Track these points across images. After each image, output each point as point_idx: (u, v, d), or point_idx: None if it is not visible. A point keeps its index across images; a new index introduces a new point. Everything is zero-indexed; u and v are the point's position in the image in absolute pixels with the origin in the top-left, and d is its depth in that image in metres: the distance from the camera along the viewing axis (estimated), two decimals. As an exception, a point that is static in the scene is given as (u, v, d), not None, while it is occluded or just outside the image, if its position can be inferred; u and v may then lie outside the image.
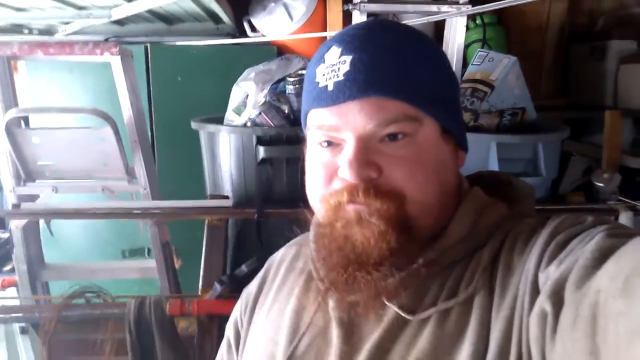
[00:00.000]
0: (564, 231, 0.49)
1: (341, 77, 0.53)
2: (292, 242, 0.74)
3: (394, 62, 0.54)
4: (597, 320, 0.38)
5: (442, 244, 0.56)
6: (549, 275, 0.45)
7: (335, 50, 0.55)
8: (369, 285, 0.53)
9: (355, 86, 0.53)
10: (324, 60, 0.56)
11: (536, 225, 0.54)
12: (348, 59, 0.54)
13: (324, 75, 0.55)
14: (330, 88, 0.54)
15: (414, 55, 0.55)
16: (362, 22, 0.60)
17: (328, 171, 0.56)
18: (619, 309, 0.37)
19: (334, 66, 0.54)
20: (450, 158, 0.59)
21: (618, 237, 0.43)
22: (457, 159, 0.61)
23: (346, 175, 0.53)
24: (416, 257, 0.55)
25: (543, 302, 0.44)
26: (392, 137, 0.54)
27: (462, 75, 1.98)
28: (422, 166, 0.54)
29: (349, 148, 0.53)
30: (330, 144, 0.56)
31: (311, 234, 0.65)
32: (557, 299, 0.43)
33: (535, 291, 0.47)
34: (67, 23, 2.24)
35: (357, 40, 0.55)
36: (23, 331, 1.55)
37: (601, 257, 0.42)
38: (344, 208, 0.54)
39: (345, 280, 0.54)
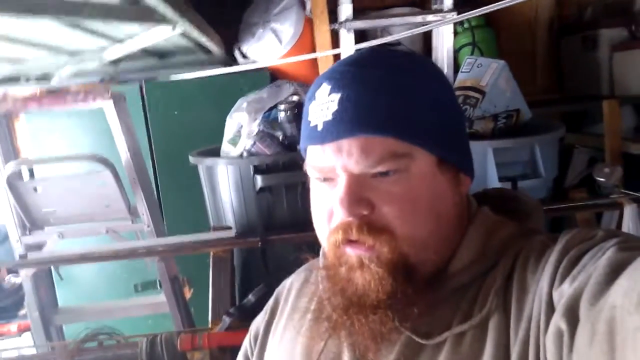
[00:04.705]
0: (575, 247, 0.49)
1: (330, 117, 0.54)
2: (300, 269, 0.75)
3: (381, 98, 0.53)
4: (615, 337, 0.39)
5: (452, 269, 0.57)
6: (562, 293, 0.45)
7: (325, 88, 0.56)
8: (365, 328, 0.54)
9: (343, 126, 0.53)
10: (315, 98, 0.57)
11: (547, 243, 0.53)
12: (336, 97, 0.54)
13: (315, 113, 0.56)
14: (320, 128, 0.55)
15: (403, 89, 0.55)
16: (352, 56, 0.60)
17: (328, 208, 0.56)
18: (636, 324, 0.37)
19: (323, 105, 0.55)
20: (449, 187, 0.57)
21: (630, 251, 0.44)
22: (460, 185, 0.59)
23: (338, 212, 0.54)
24: (421, 293, 0.55)
25: (558, 321, 0.44)
26: (383, 173, 0.53)
27: (454, 81, 1.98)
28: (412, 202, 0.54)
29: (341, 185, 0.54)
30: (326, 179, 0.56)
31: (320, 274, 0.65)
32: (572, 317, 0.43)
33: (550, 310, 0.46)
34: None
35: (345, 78, 0.55)
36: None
37: (613, 272, 0.42)
38: (343, 248, 0.55)
39: (343, 322, 0.55)
